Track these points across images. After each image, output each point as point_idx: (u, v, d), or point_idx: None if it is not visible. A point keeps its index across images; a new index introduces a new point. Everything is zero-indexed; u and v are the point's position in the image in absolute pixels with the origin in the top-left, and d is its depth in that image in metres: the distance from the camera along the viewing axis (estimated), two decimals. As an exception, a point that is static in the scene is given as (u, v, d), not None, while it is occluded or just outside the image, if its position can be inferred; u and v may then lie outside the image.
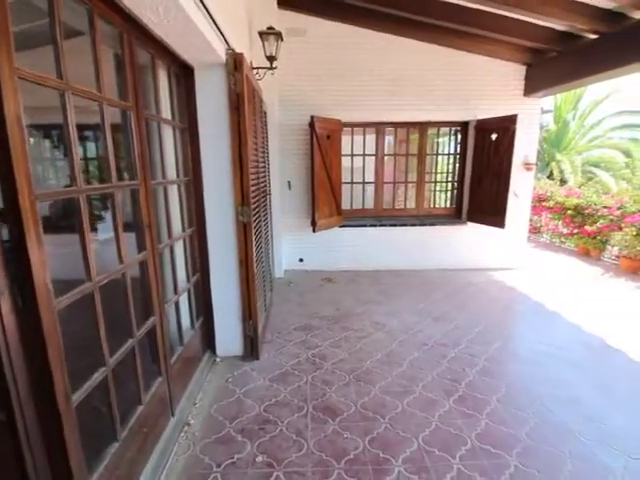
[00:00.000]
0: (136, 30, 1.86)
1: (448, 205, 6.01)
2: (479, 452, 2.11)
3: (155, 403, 2.06)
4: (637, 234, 5.50)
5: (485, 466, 2.02)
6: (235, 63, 2.60)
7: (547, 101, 12.99)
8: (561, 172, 10.08)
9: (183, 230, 2.61)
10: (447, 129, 5.86)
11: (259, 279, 3.18)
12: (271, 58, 3.74)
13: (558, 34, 4.53)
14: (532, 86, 5.23)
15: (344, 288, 4.95)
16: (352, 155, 5.56)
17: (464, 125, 5.54)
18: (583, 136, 13.17)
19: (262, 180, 3.54)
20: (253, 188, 2.99)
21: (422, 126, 5.61)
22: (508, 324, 3.96)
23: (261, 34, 3.69)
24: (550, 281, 5.23)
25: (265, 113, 4.50)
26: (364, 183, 5.73)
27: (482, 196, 5.36)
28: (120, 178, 1.84)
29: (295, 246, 5.59)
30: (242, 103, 2.60)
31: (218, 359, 3.07)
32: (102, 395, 1.62)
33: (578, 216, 6.81)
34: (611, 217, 6.07)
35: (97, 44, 1.58)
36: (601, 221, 6.23)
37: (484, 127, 5.27)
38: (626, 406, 2.54)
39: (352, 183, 5.68)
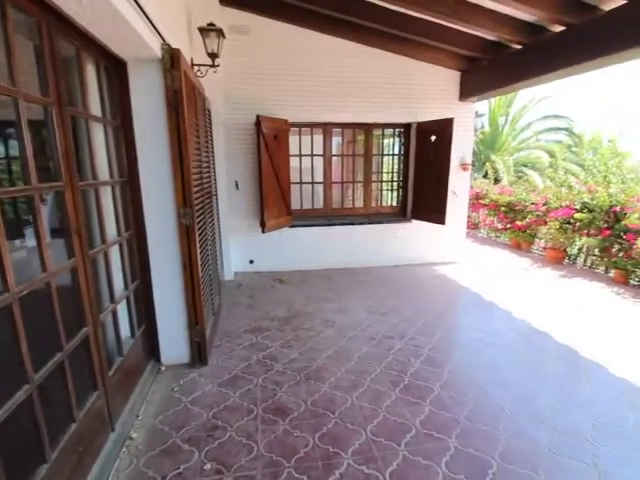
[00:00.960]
0: (58, 21, 1.73)
1: (394, 204, 6.24)
2: (423, 437, 2.23)
3: (91, 419, 1.93)
4: (560, 227, 6.09)
5: (428, 450, 2.13)
6: (172, 59, 2.50)
7: (482, 105, 13.97)
8: (495, 172, 10.88)
9: (119, 234, 2.46)
10: (391, 130, 6.09)
11: (205, 283, 3.09)
12: (213, 55, 3.65)
13: (489, 43, 4.89)
14: (467, 91, 5.60)
15: (296, 288, 4.96)
16: (300, 155, 5.58)
17: (406, 127, 5.79)
18: (514, 138, 14.33)
19: (206, 181, 3.44)
20: (196, 189, 2.90)
21: (367, 127, 5.77)
22: (450, 315, 4.20)
23: (201, 30, 3.58)
24: (486, 273, 5.64)
25: (209, 111, 4.39)
26: (313, 183, 5.79)
27: (424, 195, 5.64)
28: (44, 179, 1.70)
29: (245, 248, 5.50)
30: (181, 100, 2.52)
31: (163, 368, 2.94)
32: (28, 415, 1.49)
33: (510, 212, 7.40)
34: (538, 212, 6.67)
35: (10, 35, 1.44)
36: (530, 216, 6.82)
37: (424, 129, 5.54)
38: (552, 384, 2.81)
39: (301, 183, 5.71)
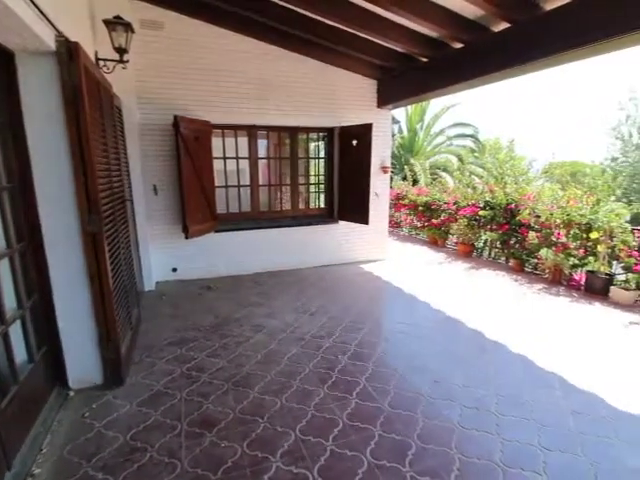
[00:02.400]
0: None
1: (322, 205, 6.39)
2: (349, 430, 2.32)
3: (-24, 462, 1.67)
4: (468, 224, 6.77)
5: (354, 441, 2.22)
6: (69, 52, 2.28)
7: (400, 112, 14.96)
8: (413, 174, 11.74)
9: (9, 246, 2.17)
10: (317, 134, 6.23)
11: (119, 295, 2.86)
12: (121, 50, 3.40)
13: (400, 55, 5.25)
14: (383, 99, 5.95)
15: (224, 294, 4.82)
16: (225, 158, 5.44)
17: (330, 131, 5.97)
18: (429, 143, 15.59)
19: (117, 185, 3.19)
20: (105, 194, 2.68)
21: (293, 131, 5.84)
22: (374, 310, 4.42)
23: (107, 23, 3.32)
24: (407, 268, 6.04)
25: (119, 110, 4.07)
26: (239, 186, 5.68)
27: (349, 196, 5.87)
28: None
29: (168, 255, 5.19)
30: (81, 97, 2.30)
31: (71, 393, 2.65)
32: None
33: (427, 211, 8.03)
34: (450, 211, 7.34)
35: None
36: (443, 215, 7.48)
37: (347, 133, 5.77)
38: (463, 366, 3.11)
39: (227, 187, 5.57)
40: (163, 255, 5.15)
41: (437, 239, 7.80)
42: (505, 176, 6.93)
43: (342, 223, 6.08)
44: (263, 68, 5.33)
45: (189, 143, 4.69)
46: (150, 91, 4.75)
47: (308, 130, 5.98)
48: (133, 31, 3.44)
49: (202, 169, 4.94)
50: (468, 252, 6.88)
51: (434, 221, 7.67)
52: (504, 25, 3.85)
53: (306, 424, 2.36)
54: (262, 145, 6.12)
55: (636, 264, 4.46)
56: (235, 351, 3.31)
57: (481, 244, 6.98)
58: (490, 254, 6.82)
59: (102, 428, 2.32)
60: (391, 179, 10.87)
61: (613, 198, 5.37)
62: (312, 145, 6.84)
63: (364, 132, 5.44)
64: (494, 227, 6.36)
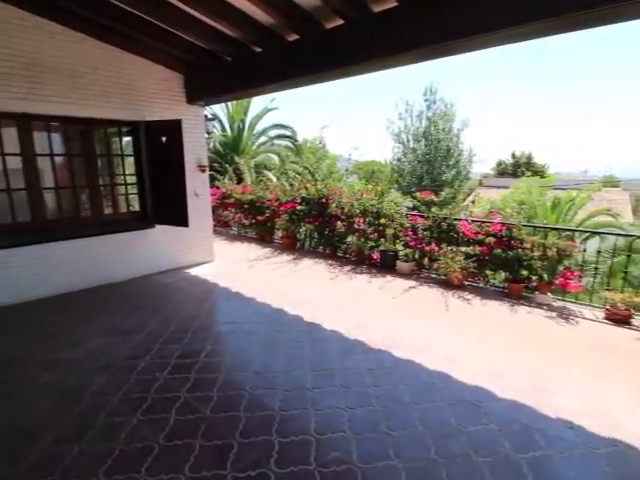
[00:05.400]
0: None
1: (134, 209, 5.69)
2: (166, 452, 2.14)
3: None
4: (289, 219, 7.25)
5: (171, 463, 2.06)
6: None
7: (220, 109, 14.77)
8: (239, 173, 11.80)
9: None
10: (118, 129, 5.46)
11: None
12: None
13: (207, 51, 5.10)
14: (193, 95, 5.69)
15: (4, 329, 3.74)
16: (-20, 155, 4.18)
17: (135, 125, 5.34)
18: (253, 143, 15.95)
19: None
20: None
21: (86, 123, 4.95)
22: (199, 315, 4.21)
23: None
24: (235, 267, 6.03)
25: None
26: (10, 190, 4.46)
27: (164, 197, 5.42)
28: None
29: None
30: None
31: None
32: None
33: (253, 209, 8.20)
34: (273, 207, 7.69)
35: None
36: (267, 211, 7.78)
37: (154, 129, 5.28)
38: (284, 353, 3.29)
39: (-9, 191, 4.30)
40: None
41: (264, 235, 8.07)
42: (316, 174, 7.69)
43: (160, 227, 5.57)
44: (40, 47, 4.33)
45: None
46: None
47: (106, 123, 5.18)
48: None
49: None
50: (292, 245, 7.39)
51: (260, 218, 7.90)
52: (294, 36, 4.20)
53: (113, 464, 2.06)
54: (44, 139, 4.96)
55: (410, 241, 5.69)
56: (10, 406, 2.60)
57: (302, 236, 7.59)
58: (311, 244, 7.50)
59: None
60: (216, 178, 10.68)
61: (393, 190, 6.67)
62: (125, 141, 5.99)
63: (173, 128, 5.08)
64: (311, 220, 7.01)
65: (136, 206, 5.67)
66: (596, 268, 4.82)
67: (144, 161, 5.44)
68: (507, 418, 2.45)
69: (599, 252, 4.78)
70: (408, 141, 20.24)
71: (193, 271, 5.75)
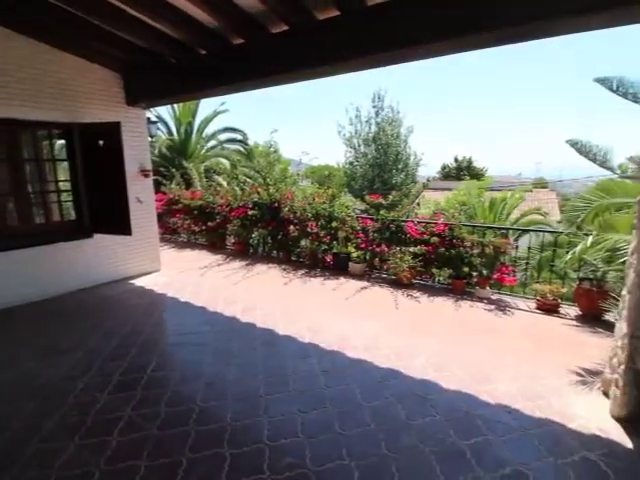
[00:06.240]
0: None
1: (69, 218, 5.27)
2: (108, 476, 2.00)
3: None
4: (241, 224, 7.12)
5: (114, 487, 1.94)
6: None
7: (165, 112, 14.22)
8: (188, 178, 11.39)
9: None
10: (48, 131, 5.05)
11: None
12: None
13: (147, 52, 4.87)
14: (133, 97, 5.41)
15: None
16: None
17: (68, 128, 4.97)
18: (203, 147, 15.49)
19: None
20: None
21: (9, 125, 4.52)
22: (146, 329, 3.97)
23: None
24: (184, 275, 5.80)
25: None
26: None
27: (104, 205, 5.09)
28: None
29: None
30: None
31: None
32: None
33: (202, 215, 7.95)
34: (224, 213, 7.51)
35: None
36: (218, 217, 7.58)
37: (90, 132, 4.95)
38: (236, 361, 3.22)
39: None
40: None
41: (216, 242, 7.85)
42: (267, 178, 7.64)
43: (99, 236, 5.21)
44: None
45: None
46: None
47: (34, 125, 4.77)
48: None
49: None
50: (245, 250, 7.26)
51: (210, 224, 7.68)
52: (239, 40, 4.16)
53: (46, 495, 1.89)
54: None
55: (361, 243, 5.84)
56: None
57: (255, 242, 7.49)
58: (264, 249, 7.41)
59: None
60: (162, 183, 10.22)
61: (344, 194, 6.81)
62: (58, 145, 5.54)
63: (112, 131, 4.79)
64: (263, 225, 6.94)
65: (72, 214, 5.27)
66: (527, 263, 5.27)
67: (80, 166, 5.07)
68: (452, 408, 2.59)
69: (529, 248, 5.21)
70: (359, 146, 20.77)
71: (139, 282, 5.45)
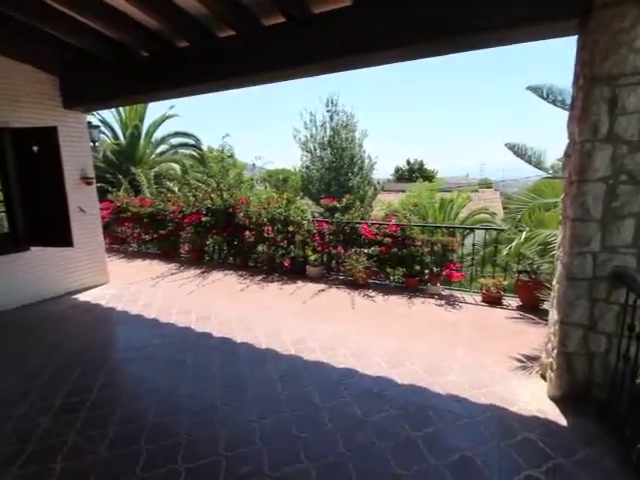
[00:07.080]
0: None
1: (2, 230, 4.85)
2: (49, 507, 1.87)
3: None
4: (195, 231, 6.92)
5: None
6: None
7: (109, 115, 13.51)
8: (137, 184, 10.88)
9: None
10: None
11: None
12: None
13: (85, 53, 4.60)
14: (72, 99, 5.08)
15: None
16: None
17: (-5, 133, 4.57)
18: (152, 152, 14.86)
19: None
20: None
21: None
22: (91, 347, 3.70)
23: None
24: (134, 287, 5.53)
25: None
26: None
27: (41, 215, 4.73)
28: None
29: None
30: None
31: None
32: None
33: (153, 223, 7.62)
34: (176, 220, 7.26)
35: None
36: (170, 224, 7.31)
37: (23, 137, 4.59)
38: (190, 373, 3.12)
39: None
40: None
41: (168, 250, 7.56)
42: (221, 183, 7.49)
43: (36, 249, 4.84)
44: None
45: None
46: None
47: (-45, 130, 4.35)
48: None
49: None
50: (199, 258, 7.06)
51: (162, 232, 7.39)
52: (185, 43, 4.06)
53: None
54: None
55: (318, 246, 5.90)
56: None
57: (210, 249, 7.31)
58: (220, 256, 7.25)
59: None
60: (108, 191, 9.69)
61: (300, 197, 6.84)
62: None
63: (47, 136, 4.47)
64: (218, 231, 6.79)
65: (5, 226, 4.85)
66: (472, 259, 5.60)
67: (12, 174, 4.69)
68: (406, 402, 2.69)
69: (474, 245, 5.55)
70: (315, 149, 20.94)
71: (84, 296, 5.11)
